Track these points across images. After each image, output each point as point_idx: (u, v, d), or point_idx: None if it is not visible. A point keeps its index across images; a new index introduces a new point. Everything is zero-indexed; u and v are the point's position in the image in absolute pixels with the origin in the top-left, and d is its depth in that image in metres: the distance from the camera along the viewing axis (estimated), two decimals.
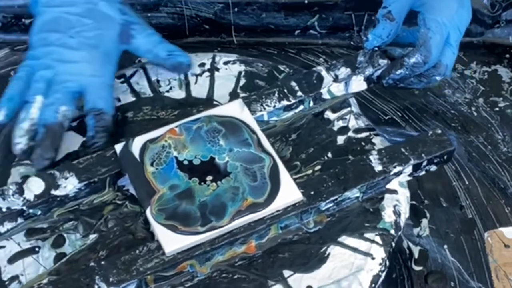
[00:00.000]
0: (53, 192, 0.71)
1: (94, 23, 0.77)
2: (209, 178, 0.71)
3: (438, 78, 0.80)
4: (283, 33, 0.94)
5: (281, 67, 0.85)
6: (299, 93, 0.78)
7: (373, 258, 0.69)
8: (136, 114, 0.80)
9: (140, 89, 0.82)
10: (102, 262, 0.66)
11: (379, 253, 0.70)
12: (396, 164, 0.73)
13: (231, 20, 0.94)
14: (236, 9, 0.93)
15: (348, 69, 0.80)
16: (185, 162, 0.72)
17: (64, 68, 0.75)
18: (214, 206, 0.69)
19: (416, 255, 0.75)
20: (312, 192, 0.71)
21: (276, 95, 0.78)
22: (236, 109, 0.76)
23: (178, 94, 0.82)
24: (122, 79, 0.83)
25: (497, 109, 0.88)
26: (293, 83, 0.79)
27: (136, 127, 0.78)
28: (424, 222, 0.77)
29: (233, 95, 0.82)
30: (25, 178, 0.73)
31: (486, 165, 0.82)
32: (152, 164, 0.71)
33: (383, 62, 0.80)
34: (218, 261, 0.69)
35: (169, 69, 0.81)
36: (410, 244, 0.75)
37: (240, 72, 0.84)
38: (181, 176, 0.71)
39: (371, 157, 0.73)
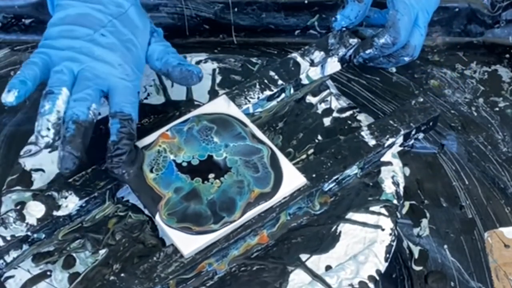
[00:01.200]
0: (55, 213, 0.69)
1: (127, 27, 0.74)
2: (211, 176, 0.71)
3: (406, 59, 0.82)
4: (283, 33, 0.93)
5: (253, 59, 0.86)
6: (280, 82, 0.79)
7: (383, 230, 0.71)
8: None
9: None
10: (122, 275, 0.65)
11: (387, 223, 0.71)
12: (388, 136, 0.75)
13: (231, 20, 0.93)
14: (236, 9, 0.92)
15: (322, 52, 0.81)
16: (184, 164, 0.71)
17: (94, 64, 0.71)
18: (223, 202, 0.69)
19: (416, 255, 0.74)
20: (314, 175, 0.72)
21: (258, 86, 0.79)
22: (222, 105, 0.76)
23: (157, 99, 0.82)
24: None
25: (497, 109, 0.87)
26: (272, 73, 0.80)
27: None
28: (424, 222, 0.76)
29: (212, 93, 0.82)
30: (21, 204, 0.71)
31: (486, 165, 0.81)
32: (151, 171, 0.71)
33: (354, 41, 0.82)
34: (235, 256, 0.69)
35: (176, 78, 0.75)
36: (410, 244, 0.75)
37: (214, 70, 0.84)
38: (183, 178, 0.70)
39: (363, 133, 0.75)
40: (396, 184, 0.74)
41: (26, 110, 0.86)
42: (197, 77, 0.74)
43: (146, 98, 0.81)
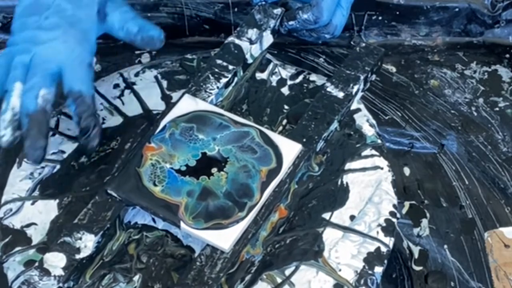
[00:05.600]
0: (78, 256, 0.67)
1: (70, 2, 0.73)
2: (214, 170, 0.71)
3: (327, 36, 0.84)
4: (283, 33, 0.92)
5: (188, 56, 0.86)
6: (230, 67, 0.80)
7: (381, 168, 0.75)
8: (90, 156, 0.77)
9: (75, 133, 0.78)
10: None
11: (383, 162, 0.75)
12: (351, 84, 0.78)
13: (231, 20, 0.92)
14: (236, 9, 0.92)
15: (255, 29, 0.83)
16: (183, 168, 0.71)
17: (40, 50, 0.71)
18: (238, 190, 0.69)
19: (416, 255, 0.74)
20: (304, 140, 0.74)
21: (212, 77, 0.79)
22: (190, 104, 0.76)
23: (115, 120, 0.80)
24: (51, 132, 0.78)
25: (497, 109, 0.87)
26: (219, 61, 0.80)
27: (101, 166, 0.76)
28: (424, 222, 0.77)
29: (166, 98, 0.82)
30: (30, 262, 0.68)
31: (486, 165, 0.81)
32: (155, 184, 0.70)
33: (278, 11, 0.84)
34: (264, 237, 0.70)
35: (140, 46, 0.76)
36: (410, 244, 0.75)
37: (156, 76, 0.84)
38: (189, 181, 0.70)
39: (329, 89, 0.78)
40: (372, 125, 0.78)
41: None
42: (159, 41, 0.75)
43: (103, 123, 0.79)
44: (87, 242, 0.68)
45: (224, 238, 0.67)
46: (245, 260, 0.68)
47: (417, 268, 0.74)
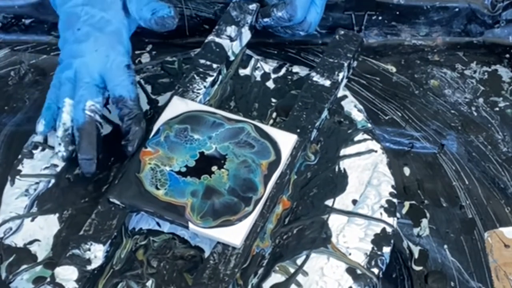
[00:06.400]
0: (89, 267, 0.66)
1: (96, 7, 0.73)
2: (214, 168, 0.71)
3: (302, 33, 0.85)
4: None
5: (168, 58, 0.86)
6: (214, 65, 0.80)
7: (376, 151, 0.76)
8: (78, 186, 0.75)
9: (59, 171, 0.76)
10: None
11: (376, 145, 0.77)
12: (336, 72, 0.79)
13: None
14: None
15: (233, 26, 0.83)
16: (183, 170, 0.71)
17: (79, 63, 0.72)
18: (242, 185, 0.70)
19: (416, 255, 0.74)
20: (298, 130, 0.75)
21: (197, 77, 0.79)
22: (180, 105, 0.76)
23: (105, 129, 0.77)
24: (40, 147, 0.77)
25: (497, 109, 0.87)
26: (202, 60, 0.81)
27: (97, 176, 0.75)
28: (424, 222, 0.76)
29: (153, 103, 0.82)
30: (39, 279, 0.67)
31: (486, 165, 0.81)
32: (157, 188, 0.70)
33: (253, 6, 0.85)
34: (271, 230, 0.71)
35: (158, 29, 0.76)
36: (410, 244, 0.75)
37: (139, 81, 0.83)
38: (191, 182, 0.70)
39: (315, 78, 0.79)
40: (360, 110, 0.80)
41: (26, 110, 0.87)
42: (170, 19, 0.75)
43: None
44: (96, 252, 0.67)
45: (234, 234, 0.67)
46: (255, 254, 0.69)
47: (417, 268, 0.74)
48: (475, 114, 0.87)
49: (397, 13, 0.93)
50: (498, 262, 0.74)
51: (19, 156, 0.76)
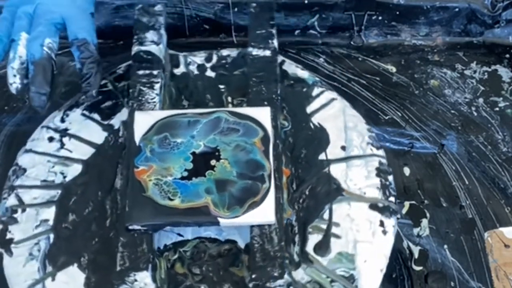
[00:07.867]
0: None
1: None
2: (213, 162, 0.71)
3: None
4: (283, 33, 0.91)
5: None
6: (155, 71, 0.79)
7: (336, 99, 0.79)
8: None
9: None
10: (254, 276, 0.66)
11: (333, 93, 0.80)
12: (270, 40, 0.81)
13: (231, 20, 0.92)
14: (236, 9, 0.91)
15: (151, 31, 0.82)
16: (185, 174, 0.70)
17: (42, 0, 0.74)
18: (247, 168, 0.70)
19: (416, 255, 0.75)
20: (265, 103, 0.77)
21: (144, 88, 0.78)
22: (145, 118, 0.75)
23: (74, 170, 0.76)
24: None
25: (497, 109, 0.87)
26: (140, 71, 0.80)
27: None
28: (424, 222, 0.77)
29: (108, 128, 0.79)
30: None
31: (486, 165, 0.82)
32: (171, 199, 0.69)
33: (159, 7, 0.85)
34: (287, 199, 0.72)
35: None
36: (410, 244, 0.75)
37: (83, 114, 0.80)
38: (199, 182, 0.70)
39: (254, 53, 0.81)
40: (302, 68, 0.82)
41: (26, 110, 0.88)
42: None
43: (64, 177, 0.75)
44: (144, 280, 0.66)
45: (265, 213, 0.67)
46: (285, 225, 0.69)
47: (417, 268, 0.75)
48: (475, 114, 0.88)
49: (397, 13, 0.94)
50: (498, 262, 0.74)
51: (0, 227, 0.72)
